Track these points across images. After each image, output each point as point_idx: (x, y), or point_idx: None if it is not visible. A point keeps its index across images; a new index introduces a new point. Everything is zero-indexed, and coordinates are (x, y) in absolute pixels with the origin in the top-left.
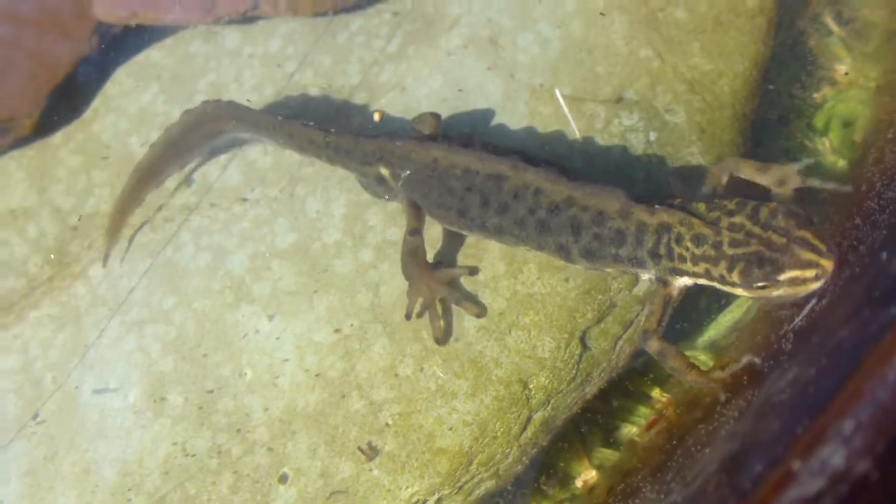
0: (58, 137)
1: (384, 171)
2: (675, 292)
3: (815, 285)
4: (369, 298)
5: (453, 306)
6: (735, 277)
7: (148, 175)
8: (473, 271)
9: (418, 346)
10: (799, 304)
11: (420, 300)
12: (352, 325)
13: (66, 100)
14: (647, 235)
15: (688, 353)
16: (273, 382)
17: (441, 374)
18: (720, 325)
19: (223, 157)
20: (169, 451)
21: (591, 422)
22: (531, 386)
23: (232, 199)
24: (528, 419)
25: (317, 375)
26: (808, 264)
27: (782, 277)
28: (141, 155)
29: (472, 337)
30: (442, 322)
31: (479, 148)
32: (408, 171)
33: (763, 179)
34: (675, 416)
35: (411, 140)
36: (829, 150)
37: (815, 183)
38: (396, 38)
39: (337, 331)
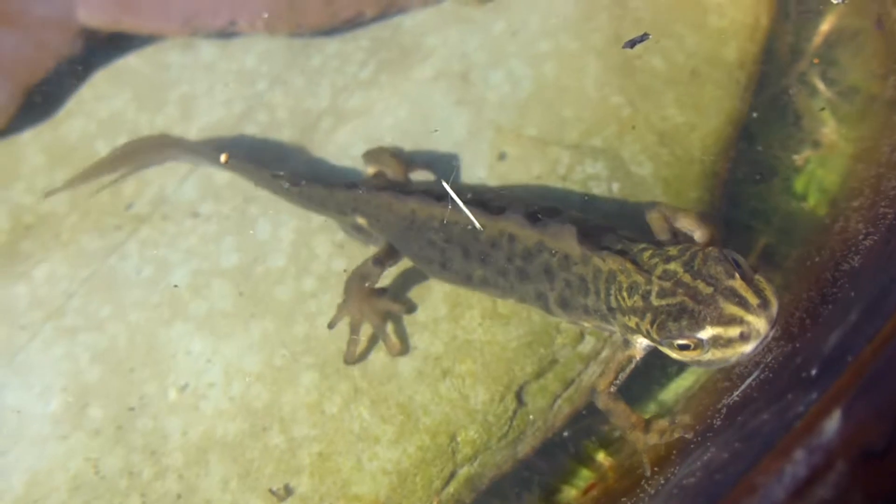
0: (27, 134)
1: (361, 221)
2: (638, 355)
3: (744, 349)
4: (305, 329)
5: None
6: (655, 333)
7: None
8: (411, 309)
9: (348, 385)
10: (741, 374)
11: (348, 318)
12: (283, 356)
13: (42, 99)
14: (601, 284)
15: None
16: (196, 406)
17: (367, 417)
18: (671, 392)
19: (183, 170)
20: (81, 467)
21: (528, 481)
22: (459, 439)
23: (184, 212)
24: (452, 474)
25: (241, 404)
26: (732, 320)
27: (703, 335)
28: None
29: (405, 380)
30: (360, 347)
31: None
32: (386, 222)
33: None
34: (613, 481)
35: (385, 191)
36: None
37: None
38: (370, 65)
39: (268, 360)
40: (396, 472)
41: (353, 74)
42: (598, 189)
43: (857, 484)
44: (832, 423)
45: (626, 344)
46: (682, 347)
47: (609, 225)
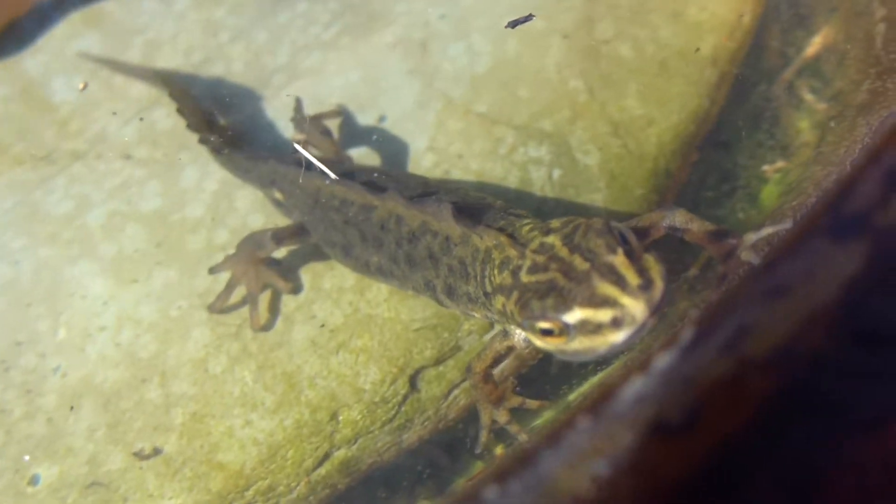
0: None
1: (279, 195)
2: (517, 346)
3: (615, 337)
4: (206, 283)
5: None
6: (517, 314)
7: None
8: (296, 290)
9: (237, 346)
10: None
11: (229, 274)
12: (179, 307)
13: (19, 33)
14: (478, 266)
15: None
16: (82, 348)
17: (249, 381)
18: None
19: (129, 112)
20: None
21: (420, 474)
22: (340, 418)
23: (118, 153)
24: (327, 455)
25: (126, 351)
26: (604, 302)
27: (568, 318)
28: (60, 97)
29: (296, 348)
30: (225, 303)
31: (354, 173)
32: (297, 198)
33: (706, 243)
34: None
35: (295, 166)
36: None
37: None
38: (334, 27)
39: (164, 310)
40: (268, 445)
41: (315, 35)
42: (536, 174)
43: (643, 461)
44: (630, 390)
45: (505, 334)
46: (545, 332)
47: (499, 203)
